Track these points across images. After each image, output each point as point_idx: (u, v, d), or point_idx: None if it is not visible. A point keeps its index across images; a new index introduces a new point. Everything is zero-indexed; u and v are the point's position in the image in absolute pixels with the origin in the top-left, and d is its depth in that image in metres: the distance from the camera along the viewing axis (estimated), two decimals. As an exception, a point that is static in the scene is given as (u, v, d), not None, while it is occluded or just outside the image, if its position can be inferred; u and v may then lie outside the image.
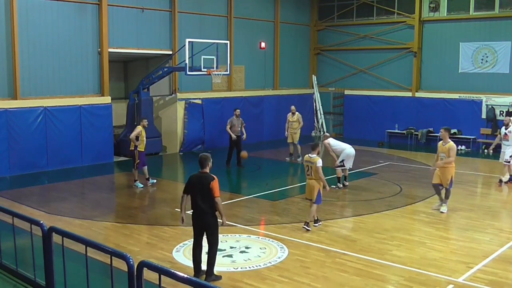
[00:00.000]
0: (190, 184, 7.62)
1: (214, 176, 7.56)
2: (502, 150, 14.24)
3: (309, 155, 10.21)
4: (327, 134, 15.36)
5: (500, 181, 14.14)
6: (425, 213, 11.41)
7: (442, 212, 11.35)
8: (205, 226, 7.51)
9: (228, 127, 16.64)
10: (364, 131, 23.06)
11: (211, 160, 7.74)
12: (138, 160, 13.75)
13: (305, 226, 10.09)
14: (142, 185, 13.94)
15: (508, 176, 14.01)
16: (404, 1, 22.64)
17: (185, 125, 19.79)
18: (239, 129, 16.67)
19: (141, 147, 13.77)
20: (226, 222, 7.95)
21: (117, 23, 17.54)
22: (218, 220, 7.61)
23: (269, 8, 23.21)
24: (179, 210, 7.89)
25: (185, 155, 19.51)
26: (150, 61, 20.11)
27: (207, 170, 7.62)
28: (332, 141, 14.01)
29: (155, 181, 14.31)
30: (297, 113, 17.70)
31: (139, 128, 13.74)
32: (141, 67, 20.56)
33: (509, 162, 13.89)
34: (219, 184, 7.56)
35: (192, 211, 7.65)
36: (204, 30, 20.09)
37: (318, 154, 10.23)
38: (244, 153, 16.24)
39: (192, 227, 7.74)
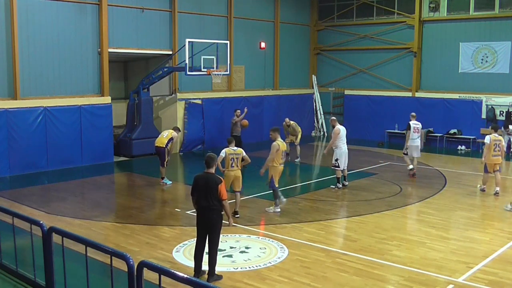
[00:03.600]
0: (197, 184, 7.63)
1: (221, 178, 7.66)
2: (415, 144, 15.08)
3: (230, 148, 10.91)
4: (335, 118, 14.69)
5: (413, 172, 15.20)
6: (425, 213, 11.41)
7: (266, 210, 11.41)
8: (210, 225, 7.50)
9: (232, 126, 16.94)
10: (364, 131, 23.05)
11: (216, 161, 7.85)
12: (168, 158, 14.16)
13: (236, 216, 10.65)
14: (170, 182, 14.26)
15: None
16: (404, 1, 22.64)
17: (185, 125, 19.79)
18: (240, 129, 16.81)
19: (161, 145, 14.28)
20: (233, 223, 8.09)
21: (117, 23, 17.54)
22: (224, 221, 7.66)
23: (269, 8, 23.20)
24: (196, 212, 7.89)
25: (185, 155, 19.50)
26: (150, 61, 20.11)
27: (213, 170, 7.70)
28: (342, 131, 13.70)
29: (170, 182, 14.41)
30: (292, 123, 17.64)
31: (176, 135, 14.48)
32: (141, 67, 20.56)
33: (406, 154, 15.23)
34: None
35: (197, 211, 7.66)
36: (204, 30, 20.09)
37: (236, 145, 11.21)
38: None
39: (192, 227, 7.76)
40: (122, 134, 18.77)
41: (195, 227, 7.69)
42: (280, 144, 11.43)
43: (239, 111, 17.06)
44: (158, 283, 4.55)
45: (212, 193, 7.46)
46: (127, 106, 19.02)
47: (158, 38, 18.98)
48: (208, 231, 7.55)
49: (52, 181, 14.97)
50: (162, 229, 10.22)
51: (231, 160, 10.74)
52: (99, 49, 17.16)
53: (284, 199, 11.81)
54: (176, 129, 14.68)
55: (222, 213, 7.73)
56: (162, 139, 14.15)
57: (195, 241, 7.77)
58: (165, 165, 14.18)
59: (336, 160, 13.59)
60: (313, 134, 25.27)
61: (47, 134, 15.88)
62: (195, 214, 7.80)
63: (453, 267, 8.21)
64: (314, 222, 10.71)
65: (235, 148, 10.98)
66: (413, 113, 15.82)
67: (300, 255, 8.71)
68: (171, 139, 14.12)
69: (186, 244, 9.17)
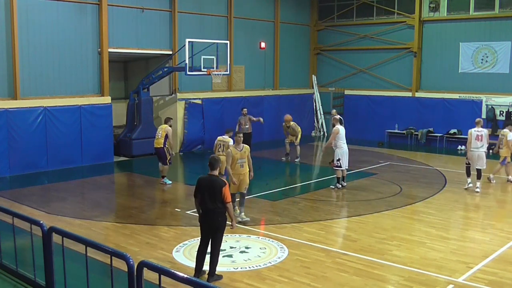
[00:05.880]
0: (201, 186, 7.65)
1: (225, 181, 7.69)
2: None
3: (223, 136, 12.94)
4: (338, 117, 14.57)
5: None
6: (425, 213, 11.41)
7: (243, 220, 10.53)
8: (215, 227, 7.51)
9: (237, 125, 17.13)
10: (364, 131, 23.04)
11: (219, 163, 7.95)
12: (169, 156, 14.12)
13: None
14: (170, 182, 14.23)
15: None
16: (404, 1, 22.64)
17: (185, 125, 19.79)
18: (247, 126, 16.99)
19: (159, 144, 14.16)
20: (236, 225, 8.08)
21: (117, 23, 17.53)
22: (227, 222, 7.69)
23: (269, 8, 23.20)
24: (198, 214, 7.86)
25: (185, 155, 19.50)
26: (150, 61, 20.10)
27: (216, 172, 7.75)
28: (342, 131, 13.74)
29: (170, 182, 14.34)
30: (292, 123, 17.65)
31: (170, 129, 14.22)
32: (141, 67, 20.55)
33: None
34: None
35: (201, 212, 7.64)
36: (204, 30, 20.09)
37: (230, 136, 12.70)
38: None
39: (191, 227, 7.74)
40: (122, 134, 18.77)
41: (195, 227, 7.71)
42: (232, 149, 10.42)
43: (245, 109, 17.15)
44: (158, 283, 4.55)
45: (217, 196, 7.47)
46: (127, 106, 19.02)
47: (158, 38, 18.97)
48: (213, 234, 7.56)
49: (52, 181, 14.97)
50: (162, 229, 10.21)
51: (218, 146, 12.89)
52: (99, 49, 17.16)
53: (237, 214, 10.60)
54: (167, 120, 14.35)
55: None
56: (158, 139, 14.06)
57: (195, 241, 7.77)
58: (167, 163, 14.15)
59: (338, 160, 13.58)
60: (313, 134, 25.27)
61: (47, 134, 15.87)
62: (196, 215, 7.80)
63: (453, 267, 8.21)
64: (314, 222, 10.71)
65: (226, 136, 12.91)
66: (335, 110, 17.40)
67: (300, 255, 8.71)
68: (166, 136, 14.03)
69: (186, 244, 9.16)
